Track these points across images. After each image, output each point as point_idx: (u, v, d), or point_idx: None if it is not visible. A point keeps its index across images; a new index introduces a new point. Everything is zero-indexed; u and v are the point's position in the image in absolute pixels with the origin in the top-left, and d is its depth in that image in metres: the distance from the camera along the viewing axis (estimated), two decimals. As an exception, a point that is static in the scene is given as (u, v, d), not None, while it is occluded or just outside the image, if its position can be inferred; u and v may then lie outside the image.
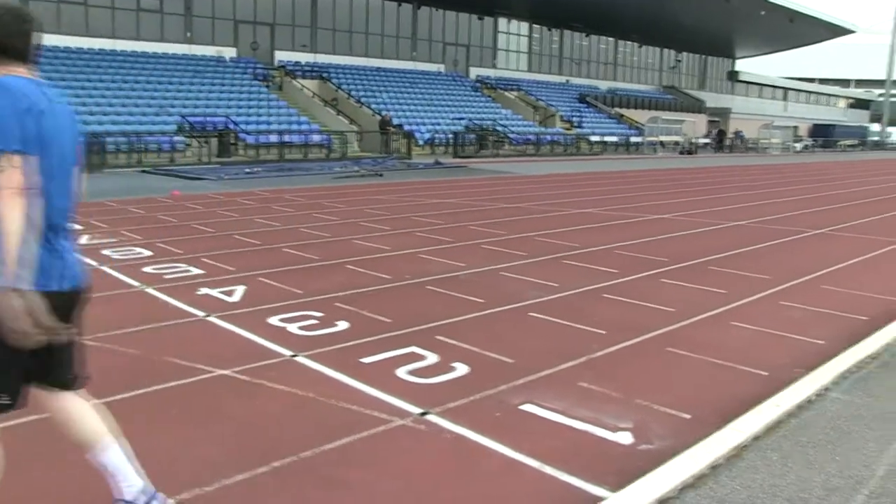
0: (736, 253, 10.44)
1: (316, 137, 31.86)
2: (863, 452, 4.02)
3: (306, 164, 26.78)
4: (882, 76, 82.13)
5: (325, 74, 39.20)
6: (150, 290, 7.32)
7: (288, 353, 5.43)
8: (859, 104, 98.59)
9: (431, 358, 5.36)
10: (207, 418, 4.29)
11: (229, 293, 7.25)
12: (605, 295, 7.60)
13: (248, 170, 23.51)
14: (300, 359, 5.31)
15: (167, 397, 4.58)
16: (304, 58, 40.31)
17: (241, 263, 8.72)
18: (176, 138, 27.33)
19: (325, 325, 6.18)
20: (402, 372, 5.07)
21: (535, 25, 54.71)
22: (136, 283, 7.61)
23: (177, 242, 10.11)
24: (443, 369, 5.14)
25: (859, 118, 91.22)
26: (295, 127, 32.21)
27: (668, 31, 58.38)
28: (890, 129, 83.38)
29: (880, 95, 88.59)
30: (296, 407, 4.45)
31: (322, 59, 41.01)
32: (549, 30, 55.88)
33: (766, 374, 5.27)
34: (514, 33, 53.60)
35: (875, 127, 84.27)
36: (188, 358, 5.22)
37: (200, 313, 6.47)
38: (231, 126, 29.39)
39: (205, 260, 8.89)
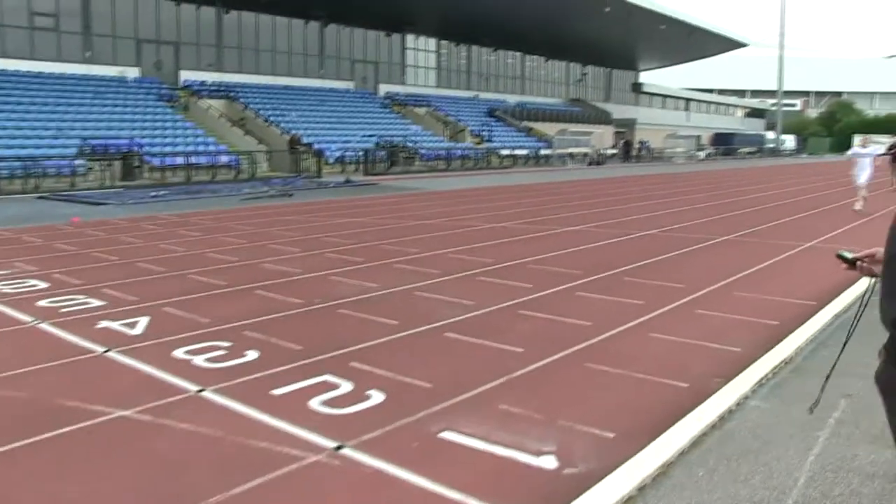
0: (649, 262, 10.55)
1: (224, 158, 31.17)
2: (784, 461, 4.03)
3: (214, 186, 26.16)
4: (774, 86, 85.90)
5: (231, 94, 38.49)
6: (44, 326, 6.88)
7: (194, 388, 5.14)
8: (755, 113, 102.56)
9: (346, 386, 5.16)
10: (106, 465, 3.99)
11: (132, 325, 6.88)
12: (522, 311, 7.53)
13: (153, 193, 22.80)
14: (207, 394, 5.04)
15: (61, 444, 4.24)
16: (209, 77, 39.49)
17: (144, 293, 8.33)
18: (76, 162, 26.32)
19: (233, 355, 5.91)
20: (315, 403, 4.85)
21: (442, 41, 55.06)
22: (28, 319, 7.15)
23: (76, 272, 9.61)
24: (358, 398, 4.94)
25: (756, 126, 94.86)
26: (202, 148, 31.46)
27: (574, 45, 59.57)
28: (784, 136, 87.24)
29: (773, 105, 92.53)
30: (203, 447, 4.19)
31: (228, 78, 40.26)
32: (457, 45, 56.32)
33: (687, 385, 5.26)
34: (422, 49, 53.80)
35: (770, 135, 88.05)
36: (85, 399, 4.88)
37: (99, 349, 6.10)
38: (135, 148, 28.51)
39: (106, 290, 8.46)
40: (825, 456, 4.11)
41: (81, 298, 8.04)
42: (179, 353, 5.95)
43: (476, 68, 58.82)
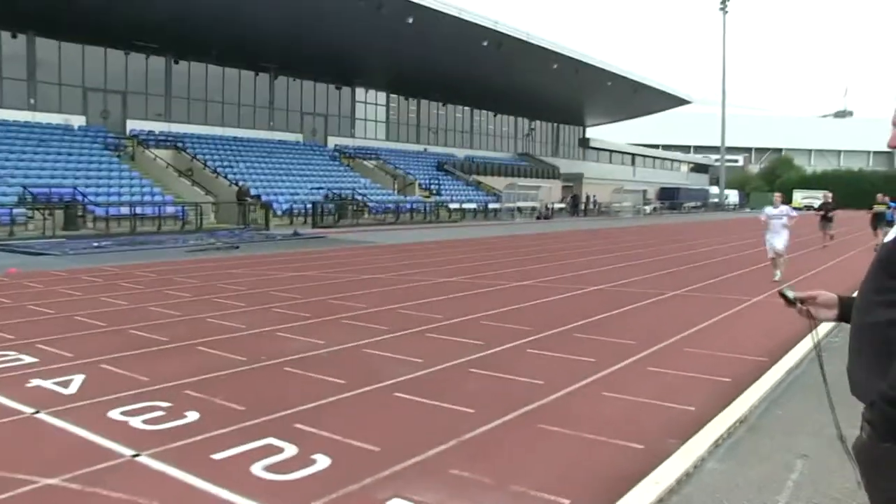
0: (600, 318, 10.51)
1: (170, 209, 30.64)
2: (742, 529, 3.93)
3: (159, 237, 25.68)
4: (717, 142, 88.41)
5: (179, 144, 38.11)
6: (-29, 385, 6.53)
7: (129, 452, 4.87)
8: (699, 168, 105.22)
9: (290, 450, 4.94)
10: (28, 540, 3.72)
11: (65, 384, 6.56)
12: (472, 369, 7.38)
13: (96, 244, 22.26)
14: (143, 458, 4.78)
15: (-20, 517, 3.96)
16: (157, 127, 39.08)
17: (81, 349, 8.00)
18: (16, 210, 25.67)
19: (172, 416, 5.65)
20: (257, 468, 4.62)
21: (392, 95, 55.42)
22: (-46, 378, 6.79)
23: (8, 327, 9.19)
24: (302, 462, 4.73)
25: (700, 181, 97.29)
26: (148, 198, 30.95)
27: (522, 100, 60.41)
28: (727, 191, 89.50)
29: (716, 160, 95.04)
30: (135, 519, 3.94)
31: (176, 128, 39.88)
32: (406, 99, 56.73)
33: (642, 446, 5.15)
34: (371, 103, 54.03)
35: (714, 189, 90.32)
36: (7, 467, 4.57)
37: (28, 410, 5.78)
38: (79, 197, 27.94)
39: (40, 346, 8.10)
40: (784, 521, 4.03)
41: (12, 355, 7.68)
42: (115, 415, 5.67)
43: (425, 122, 59.25)
